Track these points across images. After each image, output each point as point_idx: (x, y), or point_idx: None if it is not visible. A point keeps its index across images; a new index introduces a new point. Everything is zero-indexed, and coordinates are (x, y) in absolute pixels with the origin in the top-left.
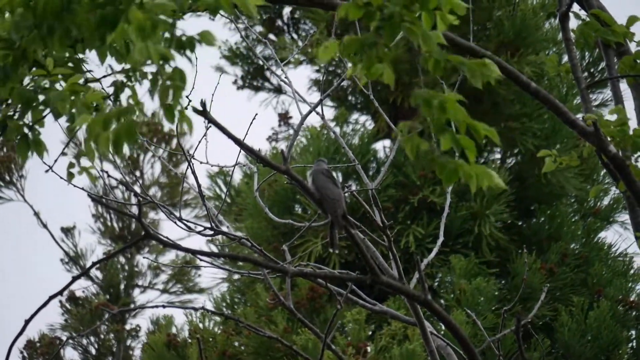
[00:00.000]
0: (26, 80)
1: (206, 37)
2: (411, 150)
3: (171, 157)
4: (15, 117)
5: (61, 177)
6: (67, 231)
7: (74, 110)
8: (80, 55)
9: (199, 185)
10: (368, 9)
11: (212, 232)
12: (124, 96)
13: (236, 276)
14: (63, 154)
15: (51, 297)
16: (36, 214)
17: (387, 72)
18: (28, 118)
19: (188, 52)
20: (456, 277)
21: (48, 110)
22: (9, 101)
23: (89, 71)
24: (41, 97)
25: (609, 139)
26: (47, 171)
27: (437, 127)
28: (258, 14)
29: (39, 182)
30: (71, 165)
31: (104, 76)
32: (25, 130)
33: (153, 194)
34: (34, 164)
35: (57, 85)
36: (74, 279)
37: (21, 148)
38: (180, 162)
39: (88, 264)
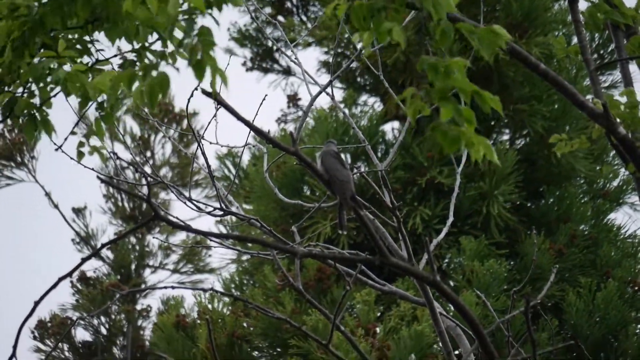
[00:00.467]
0: (35, 61)
1: None
2: (413, 114)
3: (182, 138)
4: (24, 96)
5: (71, 158)
6: (78, 212)
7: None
8: (89, 38)
9: (208, 166)
10: None
11: (221, 213)
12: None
13: (245, 257)
14: (72, 133)
15: (60, 279)
16: (47, 195)
17: (396, 30)
18: (36, 99)
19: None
20: (466, 258)
21: (57, 89)
22: (17, 81)
23: (100, 50)
24: (49, 78)
25: (618, 120)
26: (56, 150)
27: (440, 95)
28: None
29: (50, 163)
30: (81, 144)
31: (114, 56)
32: (33, 110)
33: (164, 174)
34: (45, 145)
35: (66, 67)
36: (83, 260)
37: (28, 128)
38: (191, 143)
39: (99, 244)
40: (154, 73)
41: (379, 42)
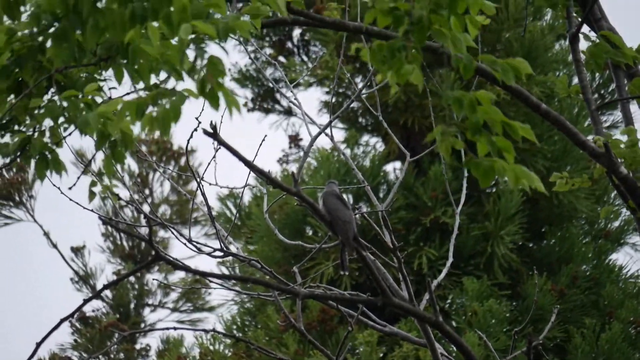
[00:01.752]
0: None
1: (241, 26)
2: (446, 150)
3: (180, 175)
4: (35, 136)
5: (74, 201)
6: (77, 251)
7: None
8: (98, 76)
9: (208, 207)
10: (395, 13)
11: (221, 254)
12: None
13: (246, 298)
14: (85, 172)
15: (62, 320)
16: (46, 234)
17: (416, 73)
18: (46, 137)
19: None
20: (468, 299)
21: (69, 129)
22: (27, 121)
23: (113, 88)
24: (60, 119)
25: (620, 160)
26: (69, 188)
27: (472, 129)
28: (266, 35)
29: (48, 202)
30: (93, 183)
31: (127, 94)
32: (46, 150)
33: (162, 212)
34: (43, 185)
35: (88, 112)
36: (85, 301)
37: (40, 167)
38: (190, 180)
39: (98, 283)
40: (164, 101)
41: (399, 82)
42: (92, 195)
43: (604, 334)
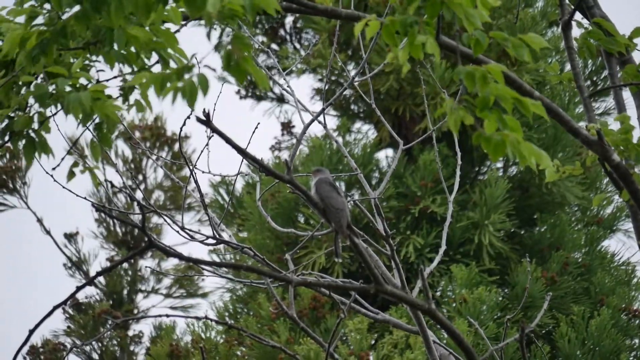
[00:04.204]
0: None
1: (267, 3)
2: (454, 124)
3: (172, 163)
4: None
5: (60, 184)
6: (70, 237)
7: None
8: (88, 60)
9: (201, 195)
10: None
11: (214, 242)
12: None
13: (239, 286)
14: (69, 153)
15: (55, 307)
16: (39, 221)
17: (430, 42)
18: (34, 122)
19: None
20: (457, 286)
21: (53, 112)
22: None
23: (101, 70)
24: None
25: (612, 147)
26: (53, 169)
27: (482, 105)
28: (259, 23)
29: (41, 189)
30: (75, 164)
31: (114, 77)
32: (31, 130)
33: (156, 197)
34: (37, 171)
35: (81, 92)
36: (79, 288)
37: (27, 151)
38: (183, 166)
39: (91, 269)
40: (187, 76)
41: (413, 57)
42: (71, 175)
43: (593, 320)
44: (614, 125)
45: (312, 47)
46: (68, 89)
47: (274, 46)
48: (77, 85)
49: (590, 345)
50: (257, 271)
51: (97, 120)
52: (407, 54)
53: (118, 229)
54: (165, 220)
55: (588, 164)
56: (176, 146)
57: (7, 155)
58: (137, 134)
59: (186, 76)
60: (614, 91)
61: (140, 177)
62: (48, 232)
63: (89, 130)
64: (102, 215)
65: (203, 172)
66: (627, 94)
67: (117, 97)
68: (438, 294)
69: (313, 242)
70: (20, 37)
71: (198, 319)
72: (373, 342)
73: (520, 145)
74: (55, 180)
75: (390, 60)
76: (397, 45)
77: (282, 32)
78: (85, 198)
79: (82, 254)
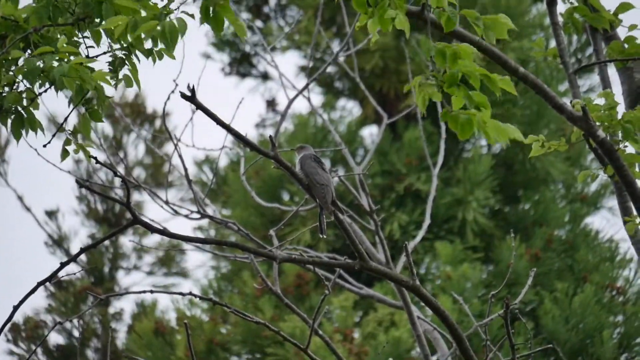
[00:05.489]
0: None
1: None
2: (422, 102)
3: (155, 138)
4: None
5: (50, 162)
6: (51, 214)
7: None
8: (75, 37)
9: (185, 169)
10: None
11: (198, 216)
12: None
13: (223, 263)
14: (61, 129)
15: (39, 284)
16: (19, 198)
17: (400, 18)
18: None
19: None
20: (442, 263)
21: (45, 87)
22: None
23: (90, 47)
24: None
25: (597, 123)
26: (44, 146)
27: (449, 82)
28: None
29: (22, 166)
30: (67, 141)
31: (104, 53)
32: (20, 107)
33: (137, 174)
34: (17, 149)
35: (64, 63)
36: (62, 265)
37: (16, 126)
38: (165, 143)
39: (72, 246)
40: (169, 18)
41: (383, 29)
42: (65, 153)
43: (576, 297)
44: (598, 101)
45: (296, 23)
46: (55, 64)
47: (258, 23)
48: (65, 60)
49: (574, 321)
50: (242, 247)
51: (86, 95)
52: (376, 25)
53: (99, 206)
54: (149, 195)
55: (573, 140)
56: (157, 123)
57: None
58: (118, 111)
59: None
60: (599, 67)
61: (121, 154)
62: (29, 210)
63: (78, 110)
64: (83, 192)
65: (187, 145)
66: (612, 70)
67: (107, 74)
68: (422, 271)
69: (298, 219)
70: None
71: (183, 294)
72: (358, 319)
73: (486, 125)
74: (39, 155)
75: (358, 27)
76: (367, 14)
77: (266, 9)
78: (69, 172)
79: (63, 231)
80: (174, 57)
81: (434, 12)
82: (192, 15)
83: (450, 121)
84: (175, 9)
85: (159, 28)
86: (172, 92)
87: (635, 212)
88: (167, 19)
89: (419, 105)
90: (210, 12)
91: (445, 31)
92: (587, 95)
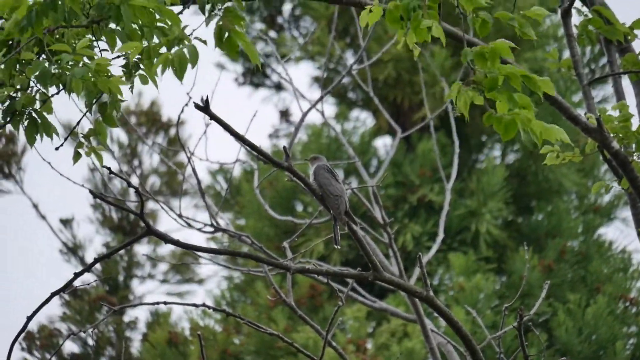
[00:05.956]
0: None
1: None
2: (464, 104)
3: (168, 148)
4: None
5: (64, 176)
6: (66, 222)
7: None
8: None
9: (199, 183)
10: None
11: (212, 230)
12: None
13: (236, 274)
14: (73, 133)
15: (53, 294)
16: (35, 206)
17: (437, 27)
18: (37, 103)
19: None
20: (455, 274)
21: (57, 91)
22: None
23: (104, 50)
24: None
25: (611, 135)
26: (56, 149)
27: (490, 86)
28: (257, 10)
29: (37, 174)
30: (79, 144)
31: (117, 57)
32: (32, 110)
33: (152, 183)
34: (33, 157)
35: (82, 65)
36: (76, 275)
37: (29, 131)
38: (179, 152)
39: (87, 255)
40: (180, 46)
41: (418, 40)
42: (77, 156)
43: (589, 309)
44: (612, 113)
45: (311, 34)
46: (71, 63)
47: (272, 34)
48: (80, 62)
49: (587, 333)
50: (255, 258)
51: (100, 100)
52: (413, 38)
53: (114, 215)
54: (162, 208)
55: (587, 151)
56: (172, 131)
57: (3, 140)
58: (133, 120)
59: (175, 48)
60: (613, 79)
61: (136, 162)
62: (43, 218)
63: (88, 118)
64: (98, 200)
65: (201, 159)
66: (626, 82)
67: (121, 77)
68: (436, 282)
69: (311, 230)
70: (10, 6)
71: (196, 306)
72: (371, 330)
73: (531, 123)
74: (52, 168)
75: (399, 48)
76: (402, 30)
77: (280, 19)
78: (82, 185)
79: (78, 239)
80: (181, 81)
81: (469, 21)
82: (204, 42)
83: (495, 123)
84: (189, 34)
85: (170, 57)
86: (186, 104)
87: None
88: (179, 46)
89: (461, 110)
90: (224, 37)
91: (480, 36)
92: (600, 106)
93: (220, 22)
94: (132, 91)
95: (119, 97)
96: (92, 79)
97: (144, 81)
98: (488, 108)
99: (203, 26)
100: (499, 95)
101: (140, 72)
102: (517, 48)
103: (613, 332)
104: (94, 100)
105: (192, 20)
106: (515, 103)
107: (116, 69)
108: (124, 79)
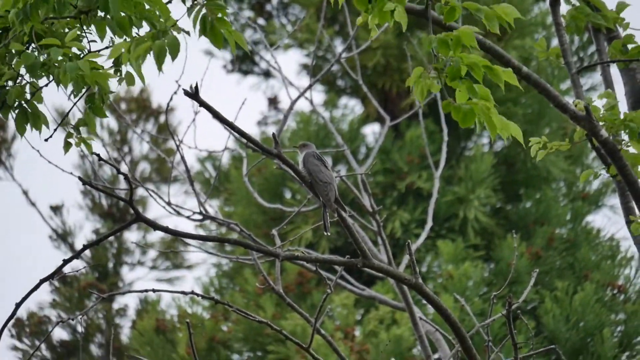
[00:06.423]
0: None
1: None
2: (421, 92)
3: (160, 132)
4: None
5: (45, 159)
6: (56, 209)
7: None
8: (80, 31)
9: (188, 171)
10: None
11: (200, 217)
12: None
13: (224, 261)
14: (62, 124)
15: (42, 281)
16: (25, 193)
17: (399, 11)
18: (26, 92)
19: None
20: (443, 262)
21: (45, 81)
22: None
23: (92, 41)
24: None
25: (600, 123)
26: (46, 140)
27: (452, 75)
28: None
29: (27, 161)
30: (69, 134)
31: (106, 47)
32: (24, 101)
33: (142, 169)
34: (23, 144)
35: (73, 60)
36: (65, 262)
37: (19, 122)
38: (169, 139)
39: (76, 241)
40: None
41: (380, 23)
42: (67, 146)
43: (577, 296)
44: (598, 103)
45: (300, 22)
46: (60, 57)
47: (260, 21)
48: (70, 55)
49: (575, 320)
50: (244, 245)
51: (89, 91)
52: (376, 19)
53: (104, 201)
54: (151, 196)
55: (576, 139)
56: (162, 118)
57: None
58: (123, 106)
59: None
60: (602, 67)
61: (126, 149)
62: (33, 204)
63: (79, 108)
64: (88, 187)
65: (190, 147)
66: (614, 70)
67: (110, 68)
68: (424, 269)
69: (300, 218)
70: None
71: (185, 293)
72: (359, 317)
73: (489, 112)
74: (41, 156)
75: (358, 23)
76: (368, 11)
77: (268, 7)
78: (71, 173)
79: (68, 226)
80: (160, 71)
81: (437, 8)
82: (187, 32)
83: (453, 111)
84: (172, 26)
85: (149, 47)
86: (175, 92)
87: (638, 212)
88: (162, 39)
89: (417, 97)
90: (207, 25)
91: (445, 22)
92: (588, 94)
93: (203, 12)
94: (120, 84)
95: (107, 88)
96: (81, 73)
97: (130, 82)
98: (447, 96)
99: (190, 12)
100: (460, 85)
101: (128, 69)
102: (495, 46)
103: (600, 320)
104: (83, 92)
105: (178, 9)
106: (474, 93)
107: (105, 59)
108: (112, 71)
